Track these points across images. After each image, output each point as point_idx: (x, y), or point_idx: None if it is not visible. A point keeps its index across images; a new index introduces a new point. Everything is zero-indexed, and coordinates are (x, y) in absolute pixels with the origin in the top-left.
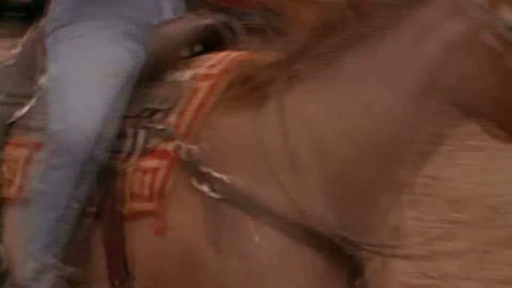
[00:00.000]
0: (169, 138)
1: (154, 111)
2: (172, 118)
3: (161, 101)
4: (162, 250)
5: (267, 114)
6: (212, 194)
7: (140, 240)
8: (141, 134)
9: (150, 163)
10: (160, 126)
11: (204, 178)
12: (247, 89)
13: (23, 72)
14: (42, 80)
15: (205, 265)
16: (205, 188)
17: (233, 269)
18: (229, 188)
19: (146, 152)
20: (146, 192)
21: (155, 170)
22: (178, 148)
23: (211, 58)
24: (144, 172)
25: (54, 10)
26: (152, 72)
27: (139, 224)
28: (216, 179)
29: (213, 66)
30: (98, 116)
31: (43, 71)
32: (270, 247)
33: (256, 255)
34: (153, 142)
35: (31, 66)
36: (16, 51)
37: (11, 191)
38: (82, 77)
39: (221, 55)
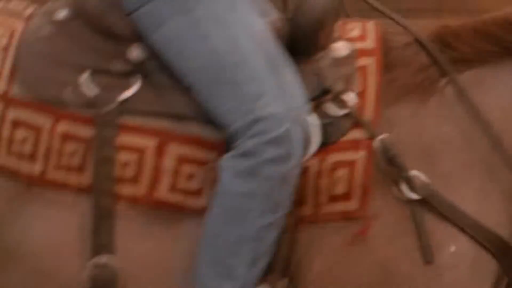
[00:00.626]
0: (355, 125)
1: (325, 92)
2: (351, 101)
3: (331, 80)
4: (353, 256)
5: (447, 105)
6: (412, 195)
7: (325, 244)
8: (319, 121)
9: (340, 155)
10: (342, 111)
11: (401, 175)
12: (413, 72)
13: (90, 42)
14: (138, 53)
15: (401, 274)
16: (403, 187)
17: (429, 279)
18: (427, 188)
19: (332, 142)
20: (341, 190)
21: (350, 163)
22: (371, 137)
23: (351, 26)
24: (335, 166)
25: None
26: (302, 48)
27: (327, 226)
28: (413, 177)
29: (362, 38)
30: (300, 98)
31: (131, 41)
32: (464, 257)
33: (452, 265)
34: (337, 129)
35: (103, 35)
36: (61, 14)
37: (129, 190)
38: (244, 51)
39: (356, 23)
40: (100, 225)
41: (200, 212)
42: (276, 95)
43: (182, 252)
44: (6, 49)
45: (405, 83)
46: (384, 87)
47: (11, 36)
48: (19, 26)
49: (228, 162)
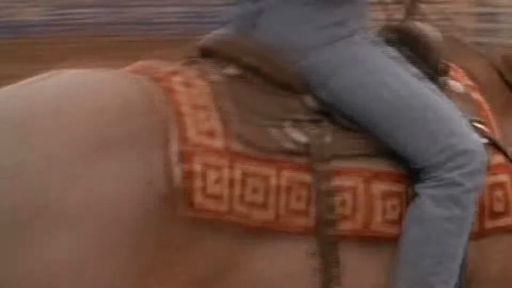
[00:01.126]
0: (497, 150)
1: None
2: (485, 130)
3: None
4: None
5: None
6: None
7: (495, 252)
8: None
9: (493, 178)
10: (483, 139)
11: None
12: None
13: (271, 94)
14: (316, 102)
15: None
16: None
17: None
18: None
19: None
20: (500, 208)
21: (502, 185)
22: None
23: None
24: (492, 187)
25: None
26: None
27: (492, 238)
28: None
29: (461, 76)
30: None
31: (306, 92)
32: None
33: None
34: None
35: (279, 87)
36: (230, 70)
37: (348, 226)
38: (422, 93)
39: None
40: (328, 260)
41: (396, 239)
42: (464, 130)
43: (389, 276)
44: (205, 107)
45: (502, 104)
46: (494, 115)
47: (202, 94)
48: (197, 83)
49: (429, 191)
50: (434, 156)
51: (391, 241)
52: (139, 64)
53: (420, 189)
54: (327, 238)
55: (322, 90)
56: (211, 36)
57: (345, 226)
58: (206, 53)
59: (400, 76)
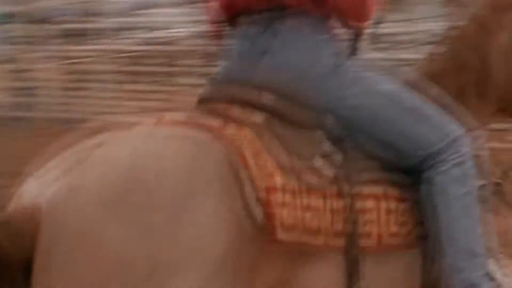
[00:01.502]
0: None
1: None
2: None
3: None
4: None
5: None
6: None
7: None
8: None
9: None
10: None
11: None
12: None
13: (295, 134)
14: (328, 143)
15: None
16: None
17: None
18: None
19: None
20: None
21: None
22: None
23: None
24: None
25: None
26: None
27: None
28: None
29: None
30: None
31: (318, 128)
32: None
33: None
34: None
35: (299, 126)
36: (258, 118)
37: (370, 242)
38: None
39: None
40: (353, 272)
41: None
42: (449, 120)
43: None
44: (260, 153)
45: None
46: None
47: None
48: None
49: (447, 174)
50: (439, 141)
51: (399, 252)
52: (181, 117)
53: (437, 175)
54: (353, 254)
55: (335, 112)
56: (218, 79)
57: (366, 243)
58: (221, 99)
59: (392, 85)
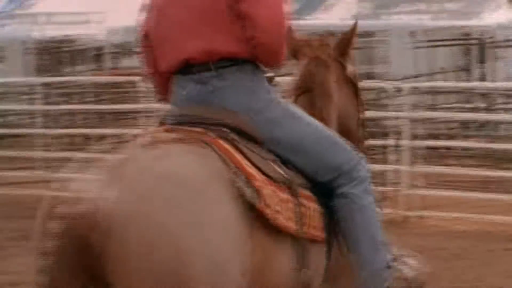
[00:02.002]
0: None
1: None
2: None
3: None
4: None
5: None
6: None
7: None
8: None
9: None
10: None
11: None
12: None
13: (255, 145)
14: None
15: None
16: None
17: None
18: None
19: None
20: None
21: None
22: None
23: None
24: None
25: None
26: None
27: None
28: None
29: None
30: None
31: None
32: None
33: None
34: None
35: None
36: (231, 135)
37: (311, 231)
38: (323, 132)
39: None
40: (303, 253)
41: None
42: (349, 148)
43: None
44: (242, 160)
45: None
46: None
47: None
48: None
49: (358, 188)
50: (349, 161)
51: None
52: (177, 136)
53: (349, 189)
54: (301, 238)
55: (270, 137)
56: (176, 109)
57: (306, 230)
58: (186, 122)
59: (308, 119)
